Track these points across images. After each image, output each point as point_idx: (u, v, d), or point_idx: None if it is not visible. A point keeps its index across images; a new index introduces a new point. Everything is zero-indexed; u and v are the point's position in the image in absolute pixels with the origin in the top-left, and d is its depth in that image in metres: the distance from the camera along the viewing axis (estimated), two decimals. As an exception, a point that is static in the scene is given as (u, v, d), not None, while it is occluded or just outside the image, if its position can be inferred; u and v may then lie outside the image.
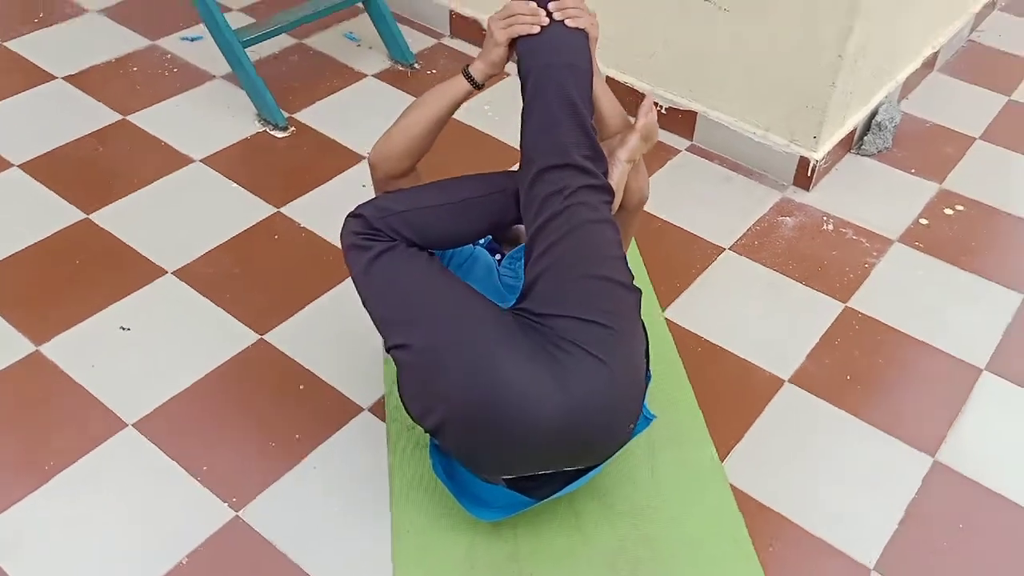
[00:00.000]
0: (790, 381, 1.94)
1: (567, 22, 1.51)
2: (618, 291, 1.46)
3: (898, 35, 2.52)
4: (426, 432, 1.51)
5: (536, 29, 1.51)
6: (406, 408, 1.51)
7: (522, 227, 1.84)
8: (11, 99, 2.62)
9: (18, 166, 2.37)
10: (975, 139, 2.71)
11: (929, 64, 2.92)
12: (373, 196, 1.63)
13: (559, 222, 1.44)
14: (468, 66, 1.60)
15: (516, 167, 1.59)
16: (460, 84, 1.59)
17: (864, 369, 1.97)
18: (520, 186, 1.52)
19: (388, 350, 1.52)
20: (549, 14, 1.52)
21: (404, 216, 1.54)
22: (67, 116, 2.57)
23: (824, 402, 1.89)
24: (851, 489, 1.73)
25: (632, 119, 1.62)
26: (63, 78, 2.73)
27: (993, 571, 1.61)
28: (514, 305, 1.50)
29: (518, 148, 1.53)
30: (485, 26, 1.61)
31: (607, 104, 1.59)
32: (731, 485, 1.71)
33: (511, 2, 1.56)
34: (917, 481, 1.75)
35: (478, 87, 1.61)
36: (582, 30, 1.52)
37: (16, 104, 2.61)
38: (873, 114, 2.59)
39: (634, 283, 1.50)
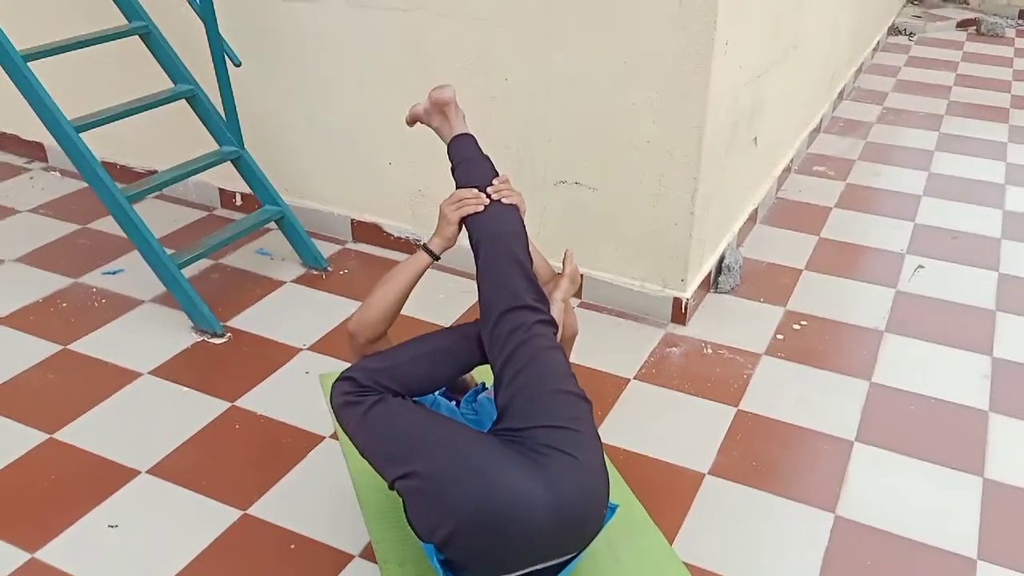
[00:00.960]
0: (709, 473, 2.30)
1: (503, 200, 1.95)
2: (578, 401, 1.81)
3: (728, 194, 3.13)
4: (436, 545, 1.74)
5: (481, 208, 1.94)
6: (415, 530, 1.75)
7: (468, 377, 2.20)
8: (-53, 345, 2.76)
9: (-29, 401, 2.50)
10: (802, 270, 3.32)
11: (752, 218, 3.58)
12: (348, 366, 1.94)
13: (523, 352, 1.80)
14: (426, 243, 1.98)
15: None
16: (422, 258, 1.97)
17: (764, 455, 2.37)
18: (483, 329, 1.88)
19: (393, 483, 1.77)
20: (488, 196, 1.95)
21: (388, 372, 1.86)
22: (9, 353, 2.72)
23: (740, 485, 2.26)
24: (779, 546, 2.07)
25: (556, 270, 2.04)
26: (-4, 320, 2.91)
27: (903, 591, 1.97)
28: (493, 427, 1.82)
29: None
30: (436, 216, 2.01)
31: (537, 259, 2.01)
32: (683, 562, 2.01)
33: (457, 190, 1.99)
34: (827, 531, 2.12)
35: (436, 258, 1.99)
36: (514, 205, 1.97)
37: (-47, 348, 2.75)
38: (721, 259, 3.16)
39: (586, 395, 1.86)
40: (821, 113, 4.62)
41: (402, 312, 1.99)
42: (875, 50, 6.05)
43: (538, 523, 1.68)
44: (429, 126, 2.22)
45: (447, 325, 2.79)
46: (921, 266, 3.35)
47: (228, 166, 3.31)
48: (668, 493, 2.23)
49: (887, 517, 2.16)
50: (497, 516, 1.66)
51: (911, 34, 6.59)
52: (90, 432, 2.40)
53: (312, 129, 3.34)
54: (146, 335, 2.84)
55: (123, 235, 3.31)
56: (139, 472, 2.26)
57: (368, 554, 2.02)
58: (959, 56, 6.11)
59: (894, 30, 6.64)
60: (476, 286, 1.92)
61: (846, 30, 4.77)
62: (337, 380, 1.89)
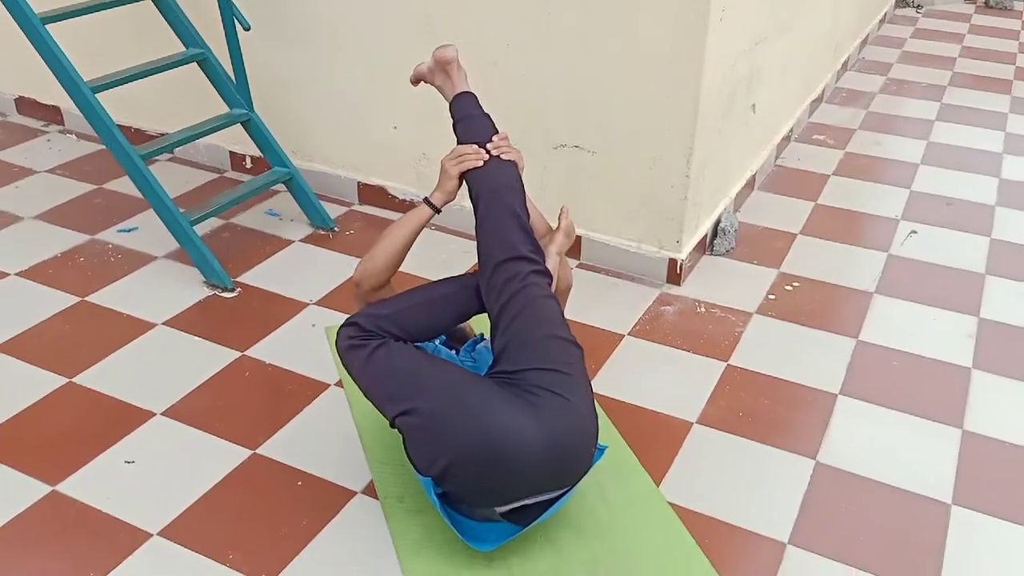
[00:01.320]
0: (698, 422, 2.40)
1: (502, 156, 2.05)
2: (569, 347, 1.92)
3: (725, 160, 3.21)
4: (433, 479, 1.85)
5: (481, 163, 2.03)
6: (414, 464, 1.87)
7: (467, 327, 2.30)
8: (-32, 297, 2.88)
9: (-6, 347, 2.63)
10: (797, 234, 3.40)
11: (750, 184, 3.65)
12: (354, 312, 2.05)
13: (518, 299, 1.90)
14: (428, 197, 2.08)
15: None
16: (424, 211, 2.07)
17: (752, 407, 2.47)
18: (480, 279, 1.98)
19: (393, 420, 1.88)
20: (488, 152, 2.04)
21: (390, 318, 1.97)
22: (29, 304, 2.84)
23: (728, 434, 2.36)
24: (760, 489, 2.18)
25: (552, 225, 2.14)
26: (15, 274, 3.02)
27: (868, 529, 2.06)
28: (489, 371, 1.92)
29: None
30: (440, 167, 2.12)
31: (534, 214, 2.11)
32: (669, 502, 2.12)
33: (458, 146, 2.08)
34: (807, 478, 2.22)
35: (437, 211, 2.09)
36: (513, 161, 2.06)
37: (-27, 300, 2.87)
38: (717, 222, 3.24)
39: (577, 341, 1.96)
40: (823, 83, 4.67)
41: (407, 272, 2.09)
42: (882, 22, 6.07)
43: (530, 457, 1.78)
44: (432, 84, 2.31)
45: (449, 281, 2.89)
46: (914, 231, 3.42)
47: (239, 130, 3.41)
48: (657, 440, 2.33)
49: (866, 464, 2.26)
50: (491, 450, 1.77)
51: (919, 6, 6.60)
52: (107, 377, 2.51)
53: (319, 93, 3.42)
54: (160, 289, 2.95)
55: (137, 195, 3.43)
56: (154, 414, 2.38)
57: (370, 491, 2.13)
58: (966, 28, 6.13)
59: (902, 2, 6.65)
60: (475, 238, 2.02)
61: (850, 2, 4.81)
62: (342, 325, 2.00)
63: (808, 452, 2.30)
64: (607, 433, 2.31)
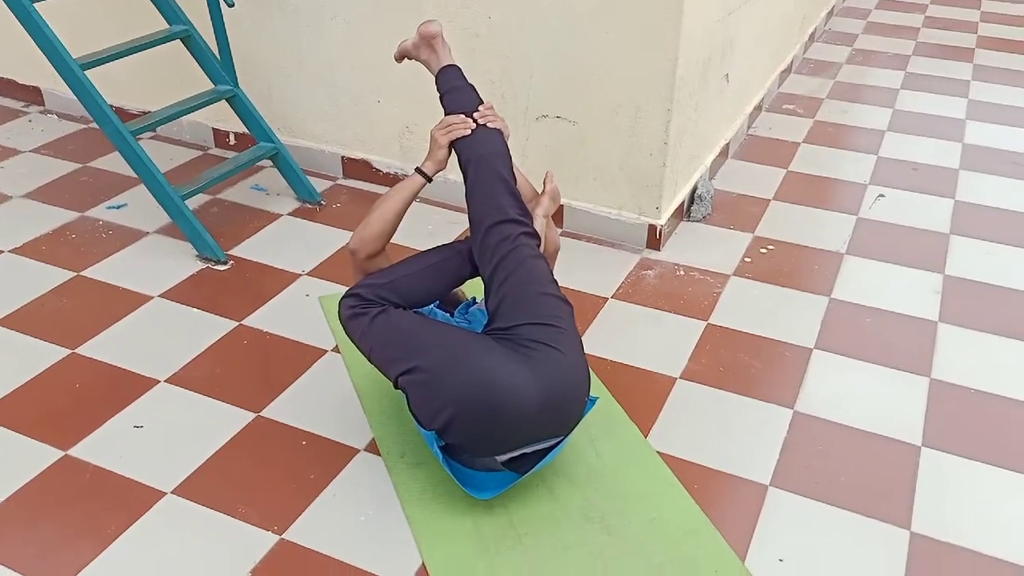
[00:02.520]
0: (681, 378, 2.52)
1: (488, 125, 2.13)
2: (560, 303, 2.02)
3: (701, 128, 3.31)
4: (436, 432, 1.95)
5: (468, 132, 2.12)
6: (417, 420, 1.97)
7: (460, 292, 2.40)
8: (-37, 274, 2.92)
9: (-6, 323, 2.68)
10: (770, 200, 3.52)
11: (724, 153, 3.77)
12: (350, 286, 2.14)
13: (510, 260, 2.00)
14: (419, 166, 2.17)
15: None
16: (416, 179, 2.16)
17: (731, 362, 2.59)
18: (472, 243, 2.08)
19: (396, 380, 1.98)
20: (475, 121, 2.13)
21: (389, 286, 2.07)
22: (25, 280, 2.89)
23: (709, 388, 2.48)
24: (742, 437, 2.31)
25: (537, 189, 2.23)
26: (9, 251, 3.06)
27: (844, 470, 2.20)
28: (484, 329, 2.02)
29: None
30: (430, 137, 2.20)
31: (520, 179, 2.20)
32: (657, 451, 2.24)
33: (446, 117, 2.17)
34: (786, 424, 2.35)
35: (429, 180, 2.18)
36: (499, 129, 2.15)
37: (-30, 278, 2.91)
38: (694, 190, 3.35)
39: (567, 299, 2.06)
40: (792, 54, 4.79)
41: (395, 242, 2.18)
42: (847, -6, 6.20)
43: (528, 407, 1.89)
44: (418, 60, 2.39)
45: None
46: (882, 195, 3.56)
47: (221, 107, 3.46)
48: (643, 395, 2.45)
49: (840, 411, 2.40)
50: (491, 401, 1.87)
51: (883, -21, 6.73)
52: (109, 347, 2.58)
53: (303, 69, 3.48)
54: (153, 263, 3.01)
55: (123, 172, 3.49)
56: (158, 381, 2.45)
57: (372, 448, 2.23)
58: (929, -1, 6.28)
59: (867, -25, 6.77)
60: (466, 204, 2.11)
61: (817, -27, 4.93)
62: (343, 297, 2.09)
63: (786, 402, 2.43)
64: (596, 389, 2.42)
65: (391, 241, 2.25)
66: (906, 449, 2.28)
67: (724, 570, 1.92)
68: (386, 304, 2.05)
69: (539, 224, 2.15)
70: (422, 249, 2.26)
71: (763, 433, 2.33)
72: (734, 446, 2.28)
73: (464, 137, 2.14)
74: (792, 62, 4.79)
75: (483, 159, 2.11)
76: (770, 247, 3.20)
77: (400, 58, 2.43)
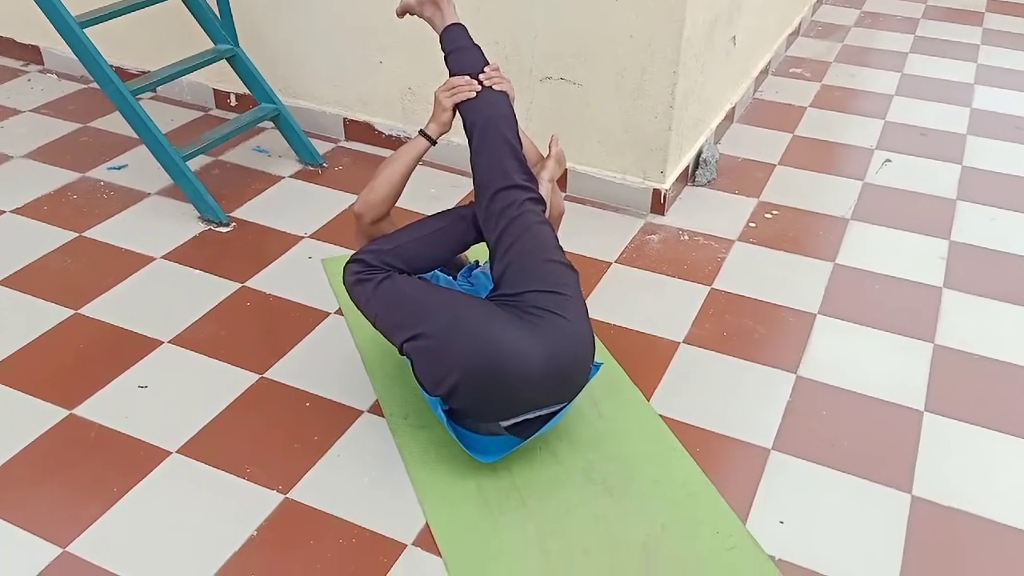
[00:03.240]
0: (684, 342, 2.52)
1: (494, 87, 2.11)
2: (565, 269, 2.01)
3: (706, 91, 3.28)
4: (441, 397, 1.95)
5: (473, 94, 2.09)
6: (422, 385, 1.97)
7: (462, 255, 2.39)
8: (-35, 234, 2.91)
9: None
10: (775, 165, 3.50)
11: (730, 117, 3.73)
12: (354, 252, 2.14)
13: (515, 226, 1.99)
14: (424, 129, 2.14)
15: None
16: (421, 142, 2.14)
17: (735, 327, 2.59)
18: (478, 208, 2.06)
19: (402, 346, 1.98)
20: (480, 83, 2.10)
21: (393, 252, 2.06)
22: (27, 240, 2.88)
23: (713, 352, 2.48)
24: (744, 401, 2.31)
25: (543, 153, 2.21)
26: (11, 211, 3.05)
27: (846, 434, 2.21)
28: (490, 295, 2.02)
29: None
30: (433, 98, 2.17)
31: (526, 143, 2.18)
32: (659, 415, 2.24)
33: (451, 78, 2.14)
34: (788, 389, 2.35)
35: (433, 143, 2.15)
36: (504, 91, 2.12)
37: (-30, 238, 2.90)
38: (699, 154, 3.33)
39: (573, 265, 2.05)
40: (800, 17, 4.73)
41: (399, 206, 2.16)
42: (857, -44, 6.10)
43: (533, 374, 1.89)
44: (421, 16, 2.35)
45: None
46: (888, 160, 3.54)
47: (222, 67, 3.42)
48: (646, 359, 2.45)
49: (843, 376, 2.40)
50: (497, 367, 1.87)
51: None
52: (113, 308, 2.58)
53: (304, 29, 3.43)
54: (155, 224, 3.00)
55: (123, 132, 3.47)
56: (162, 342, 2.45)
57: (376, 410, 2.23)
58: (939, -38, 6.18)
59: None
60: (471, 168, 2.09)
61: (827, -66, 4.85)
62: (348, 262, 2.08)
63: (789, 367, 2.43)
64: (599, 353, 2.41)
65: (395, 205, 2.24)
66: (908, 414, 2.29)
67: (725, 531, 1.93)
68: (391, 270, 2.05)
69: (544, 188, 2.13)
70: (426, 214, 2.25)
71: (766, 397, 2.33)
72: (737, 410, 2.28)
73: (469, 99, 2.12)
74: (800, 24, 4.73)
75: (488, 122, 2.08)
76: (775, 212, 3.18)
77: (402, 13, 2.38)
